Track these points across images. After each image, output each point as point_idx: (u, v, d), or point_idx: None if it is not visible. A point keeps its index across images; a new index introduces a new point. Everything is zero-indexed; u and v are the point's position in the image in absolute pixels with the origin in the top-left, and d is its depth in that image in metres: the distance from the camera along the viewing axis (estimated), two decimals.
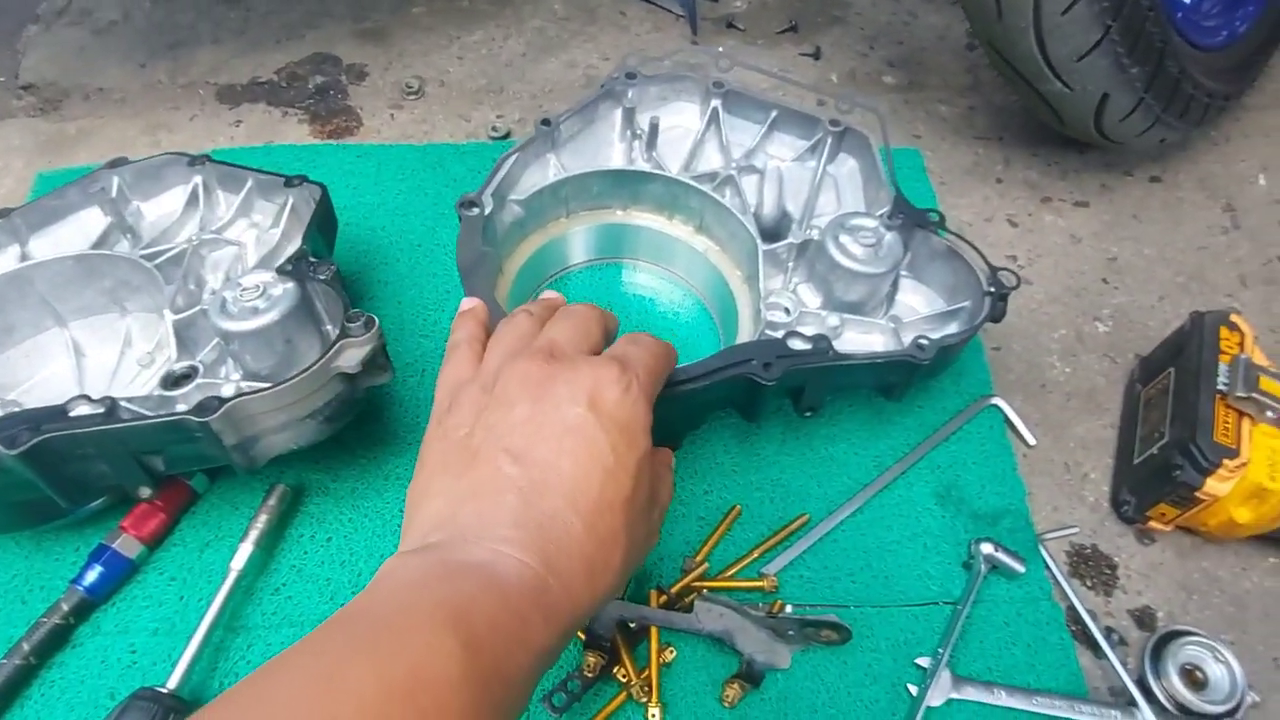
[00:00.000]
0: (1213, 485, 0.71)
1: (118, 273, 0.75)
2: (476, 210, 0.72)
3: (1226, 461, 0.70)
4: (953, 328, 0.74)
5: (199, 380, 0.66)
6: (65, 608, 0.65)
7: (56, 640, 0.65)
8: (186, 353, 0.69)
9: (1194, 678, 0.69)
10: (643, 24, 1.25)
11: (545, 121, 0.81)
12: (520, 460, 0.44)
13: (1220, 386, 0.74)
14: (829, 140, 0.84)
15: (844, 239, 0.74)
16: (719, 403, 0.71)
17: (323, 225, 0.76)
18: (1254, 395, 0.72)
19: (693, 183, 0.81)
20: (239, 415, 0.58)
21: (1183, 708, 0.67)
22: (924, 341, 0.69)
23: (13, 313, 0.73)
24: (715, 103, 0.86)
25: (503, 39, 1.20)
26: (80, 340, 0.76)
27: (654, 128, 0.84)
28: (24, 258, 0.75)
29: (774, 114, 0.86)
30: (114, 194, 0.79)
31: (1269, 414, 0.73)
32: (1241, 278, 1.01)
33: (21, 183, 0.99)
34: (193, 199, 0.80)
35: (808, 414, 0.74)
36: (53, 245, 0.77)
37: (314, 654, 0.35)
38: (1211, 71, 1.01)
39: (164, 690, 0.61)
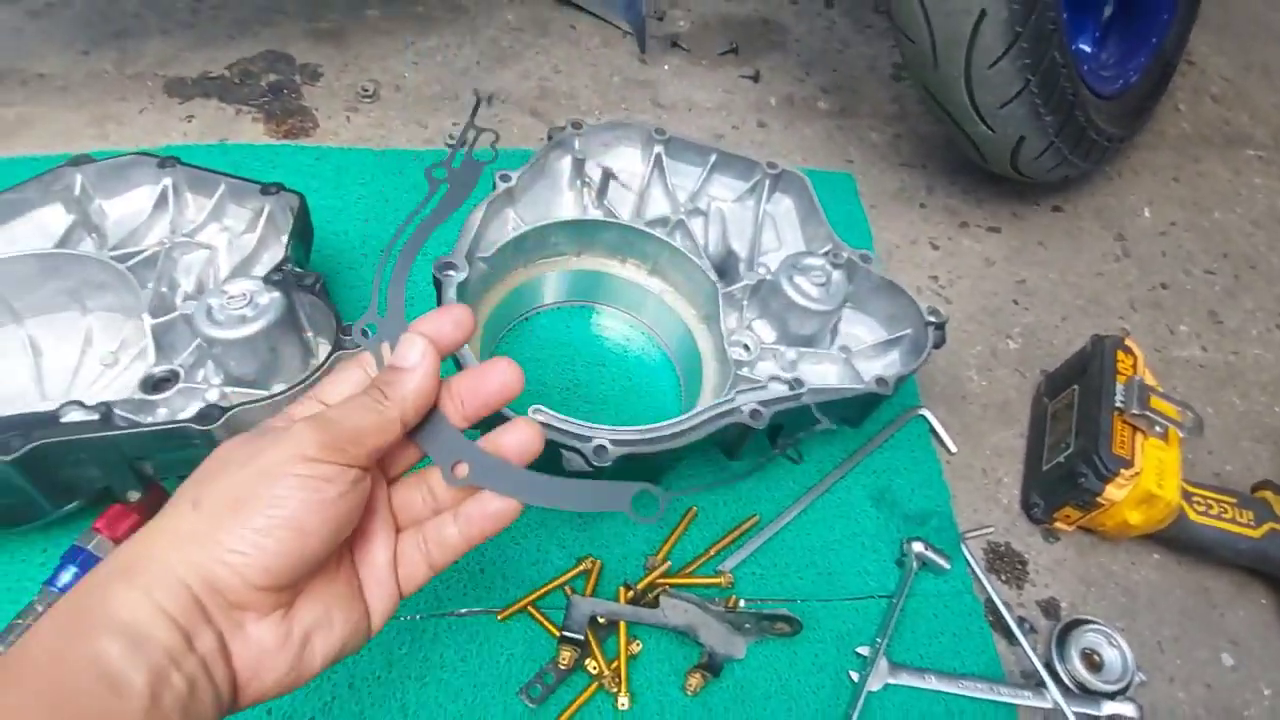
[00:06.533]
0: (1111, 491, 0.81)
1: (84, 272, 0.75)
2: (454, 272, 0.72)
3: (1123, 471, 0.80)
4: (895, 354, 0.82)
5: (180, 385, 0.67)
6: (40, 609, 0.65)
7: None
8: (164, 356, 0.70)
9: (1092, 661, 0.79)
10: (592, 38, 1.28)
11: (505, 176, 0.81)
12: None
13: (1118, 404, 0.84)
14: (767, 181, 0.89)
15: (798, 279, 0.80)
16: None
17: (302, 234, 0.78)
18: (1146, 413, 0.83)
19: (651, 231, 0.85)
20: (238, 424, 0.60)
21: (1083, 686, 0.76)
22: (885, 376, 0.76)
23: None
24: (658, 149, 0.89)
25: (457, 46, 1.22)
26: (36, 338, 0.75)
27: (607, 176, 0.87)
28: None
29: (713, 158, 0.90)
30: (77, 192, 0.79)
31: (1157, 429, 0.83)
32: (1131, 301, 1.13)
33: None
34: (161, 201, 0.80)
35: (792, 457, 0.81)
36: (8, 241, 0.76)
37: None
38: (1109, 116, 1.13)
39: None
